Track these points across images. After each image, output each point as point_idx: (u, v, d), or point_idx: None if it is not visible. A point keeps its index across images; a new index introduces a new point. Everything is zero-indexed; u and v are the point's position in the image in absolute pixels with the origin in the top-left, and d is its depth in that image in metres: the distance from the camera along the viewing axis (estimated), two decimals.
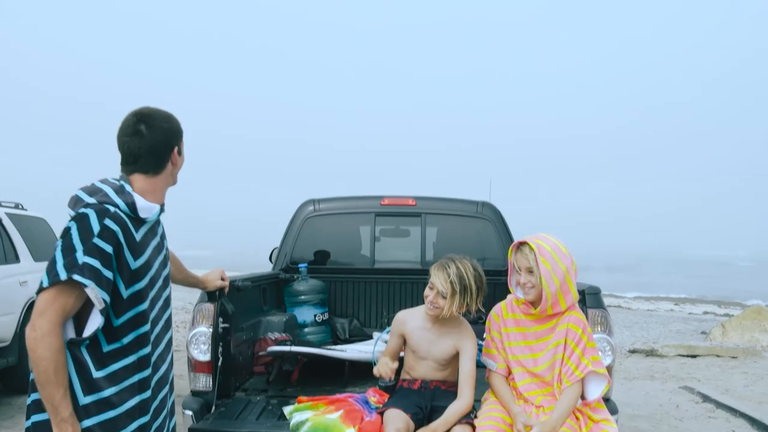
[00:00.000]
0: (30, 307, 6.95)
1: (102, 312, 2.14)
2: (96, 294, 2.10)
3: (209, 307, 3.43)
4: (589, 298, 3.47)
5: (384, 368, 3.27)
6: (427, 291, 3.24)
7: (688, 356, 10.30)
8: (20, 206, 7.77)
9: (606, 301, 3.58)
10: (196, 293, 3.44)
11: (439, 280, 3.17)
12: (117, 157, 2.37)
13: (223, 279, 3.36)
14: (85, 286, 2.08)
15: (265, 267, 5.64)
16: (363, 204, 5.29)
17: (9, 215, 7.27)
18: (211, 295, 3.43)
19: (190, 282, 3.08)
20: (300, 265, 4.98)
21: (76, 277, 2.06)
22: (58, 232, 8.50)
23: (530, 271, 3.05)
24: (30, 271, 7.16)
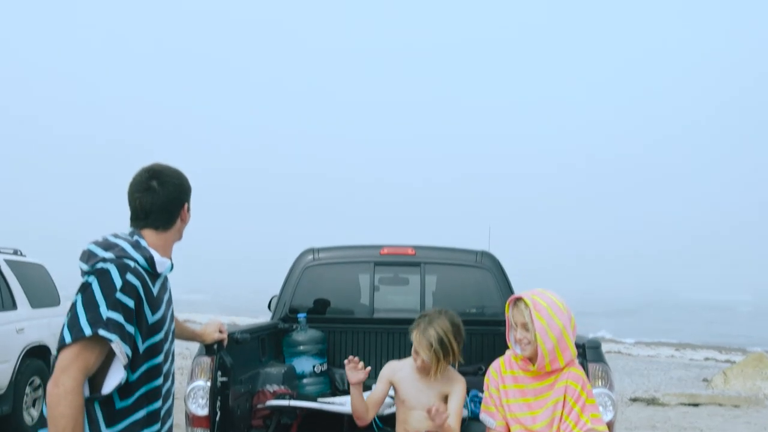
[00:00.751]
0: (27, 354, 6.91)
1: (125, 367, 2.14)
2: (121, 349, 2.11)
3: (207, 361, 3.42)
4: (590, 352, 3.46)
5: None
6: (413, 354, 3.29)
7: (690, 405, 10.19)
8: (19, 252, 7.78)
9: (606, 346, 3.57)
10: None
11: (422, 348, 3.23)
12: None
13: (221, 331, 3.32)
14: (111, 341, 2.08)
15: (264, 312, 5.63)
16: (362, 253, 5.31)
17: (7, 262, 7.28)
18: (209, 349, 3.41)
19: (187, 336, 3.06)
20: (299, 315, 4.96)
21: (101, 332, 2.06)
22: (56, 278, 8.49)
23: (526, 327, 3.05)
24: (27, 318, 7.14)
